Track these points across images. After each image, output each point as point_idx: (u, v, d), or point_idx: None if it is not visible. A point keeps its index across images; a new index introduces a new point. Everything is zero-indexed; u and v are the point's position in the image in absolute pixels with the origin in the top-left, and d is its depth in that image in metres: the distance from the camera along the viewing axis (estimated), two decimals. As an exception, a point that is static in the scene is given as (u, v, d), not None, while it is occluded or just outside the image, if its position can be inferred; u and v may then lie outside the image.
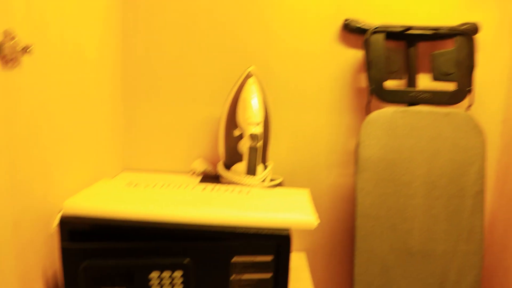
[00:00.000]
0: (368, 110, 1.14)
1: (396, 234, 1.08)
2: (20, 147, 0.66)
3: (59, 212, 0.76)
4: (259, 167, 1.00)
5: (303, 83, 1.17)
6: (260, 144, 0.97)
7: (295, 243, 1.23)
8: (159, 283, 0.74)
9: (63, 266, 0.73)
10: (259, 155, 0.97)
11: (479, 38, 1.14)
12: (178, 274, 0.74)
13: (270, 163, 1.10)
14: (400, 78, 1.13)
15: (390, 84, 1.15)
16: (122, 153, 1.19)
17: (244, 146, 0.98)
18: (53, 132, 0.77)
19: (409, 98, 1.10)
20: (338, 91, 1.17)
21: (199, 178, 1.11)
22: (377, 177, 1.06)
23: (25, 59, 0.67)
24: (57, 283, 0.81)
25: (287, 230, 0.76)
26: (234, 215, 0.76)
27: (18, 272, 0.67)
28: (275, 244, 0.76)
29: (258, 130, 0.96)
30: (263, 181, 1.01)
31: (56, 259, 0.80)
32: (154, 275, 0.74)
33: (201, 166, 1.14)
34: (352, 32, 1.14)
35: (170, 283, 0.74)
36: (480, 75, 1.15)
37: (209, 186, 0.92)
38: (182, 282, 0.75)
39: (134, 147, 1.19)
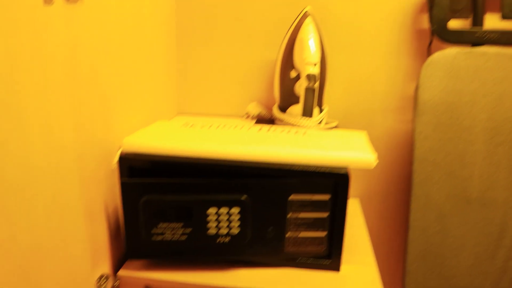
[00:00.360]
0: (429, 52, 1.09)
1: (454, 181, 1.04)
2: (82, 84, 0.67)
3: (119, 149, 0.77)
4: (315, 110, 0.98)
5: (361, 24, 1.12)
6: (317, 85, 0.94)
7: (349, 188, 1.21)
8: (216, 219, 0.75)
9: (122, 200, 0.74)
10: (315, 97, 0.95)
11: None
12: (235, 210, 0.75)
13: (325, 106, 1.08)
14: (465, 17, 1.07)
15: (454, 24, 1.09)
16: (177, 97, 1.19)
17: (300, 87, 0.96)
18: (112, 71, 0.77)
19: (475, 38, 1.05)
20: (397, 32, 1.12)
21: (254, 121, 1.10)
22: (436, 121, 1.03)
23: (86, -4, 0.67)
24: (118, 217, 0.83)
25: (345, 168, 0.75)
26: (292, 153, 0.75)
27: (83, 203, 0.68)
28: (333, 182, 0.76)
29: (315, 70, 0.94)
30: (319, 123, 0.99)
31: (117, 194, 0.82)
32: (211, 211, 0.74)
33: (255, 109, 1.14)
34: (414, -31, 1.09)
35: (228, 219, 0.75)
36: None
37: (265, 127, 0.92)
38: (239, 219, 0.75)
39: (188, 91, 1.19)
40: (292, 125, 0.98)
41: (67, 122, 0.63)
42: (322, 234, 0.78)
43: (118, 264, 0.83)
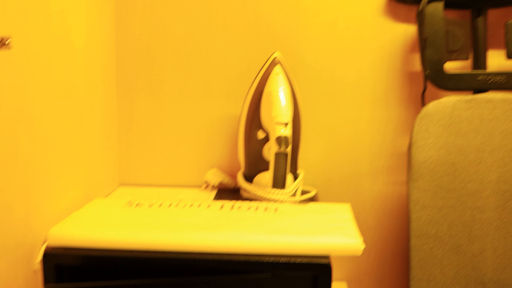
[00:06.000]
0: (423, 102, 1.12)
1: (462, 258, 1.06)
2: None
3: (44, 243, 0.77)
4: (288, 178, 1.00)
5: (340, 70, 1.16)
6: (289, 149, 0.96)
7: (334, 270, 1.22)
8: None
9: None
10: (288, 163, 0.97)
11: None
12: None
13: (301, 172, 1.09)
14: (465, 59, 1.11)
15: (452, 66, 1.14)
16: (118, 164, 1.19)
17: (269, 151, 0.98)
18: (35, 142, 0.78)
19: (477, 83, 1.09)
20: (384, 78, 1.16)
21: (214, 192, 1.12)
22: (436, 186, 1.06)
23: (1, 54, 0.68)
24: None
25: (326, 257, 0.77)
26: (260, 241, 0.77)
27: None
28: (311, 275, 0.77)
29: (287, 132, 0.96)
30: (294, 195, 1.01)
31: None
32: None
33: (216, 177, 1.15)
34: (402, 1, 1.14)
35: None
36: None
37: (227, 203, 0.93)
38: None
39: (132, 156, 1.19)
40: (261, 198, 0.99)
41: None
42: None
43: None
